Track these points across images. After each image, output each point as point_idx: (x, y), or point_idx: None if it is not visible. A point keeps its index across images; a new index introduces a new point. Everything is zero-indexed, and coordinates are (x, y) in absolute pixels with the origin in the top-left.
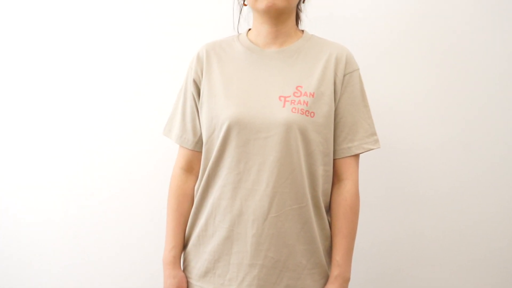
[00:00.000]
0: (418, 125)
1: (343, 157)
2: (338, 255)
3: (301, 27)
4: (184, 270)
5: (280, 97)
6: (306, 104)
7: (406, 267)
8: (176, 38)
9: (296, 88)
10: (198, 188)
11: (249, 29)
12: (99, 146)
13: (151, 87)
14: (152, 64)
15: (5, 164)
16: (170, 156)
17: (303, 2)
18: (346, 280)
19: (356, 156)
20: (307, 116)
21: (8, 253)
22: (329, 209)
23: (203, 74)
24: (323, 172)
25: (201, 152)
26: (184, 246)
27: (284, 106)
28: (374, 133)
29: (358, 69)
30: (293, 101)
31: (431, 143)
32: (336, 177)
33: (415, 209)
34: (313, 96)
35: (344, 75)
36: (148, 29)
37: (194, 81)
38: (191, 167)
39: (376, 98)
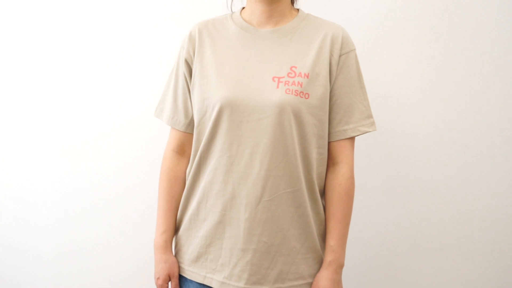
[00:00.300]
0: (416, 108)
1: (338, 140)
2: (332, 240)
3: (296, 5)
4: (176, 255)
5: (273, 78)
6: (301, 85)
7: (403, 254)
8: (166, 29)
9: (291, 68)
10: (189, 172)
11: (243, 8)
12: (93, 139)
13: (143, 79)
14: (141, 54)
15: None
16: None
17: None
18: (340, 266)
19: (352, 139)
20: (301, 97)
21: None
22: (323, 193)
23: (195, 53)
24: (317, 155)
25: (193, 134)
26: (176, 230)
27: (278, 87)
28: (370, 116)
29: (355, 49)
30: (287, 82)
31: (429, 127)
32: (330, 161)
33: (413, 195)
34: (307, 77)
35: (340, 56)
36: (132, 21)
37: (186, 61)
38: (182, 150)
39: (373, 79)
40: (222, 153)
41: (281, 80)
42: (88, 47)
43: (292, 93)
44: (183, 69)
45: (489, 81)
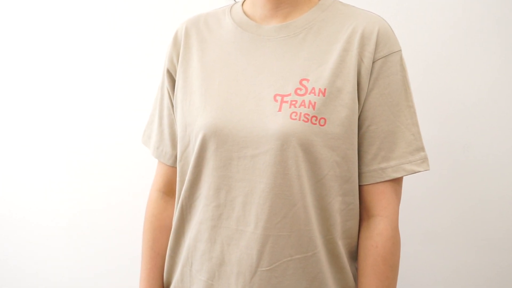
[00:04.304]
0: (492, 128)
1: (373, 183)
2: None
3: None
4: None
5: (276, 96)
6: (313, 107)
7: None
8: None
9: (300, 82)
10: (173, 222)
11: None
12: (104, 145)
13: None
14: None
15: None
16: None
17: None
18: None
19: (395, 181)
20: (314, 124)
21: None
22: (356, 255)
23: (179, 62)
24: (342, 205)
25: None
26: None
27: (280, 110)
28: (421, 148)
29: (399, 50)
30: (293, 102)
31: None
32: (365, 212)
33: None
34: (323, 94)
35: (375, 61)
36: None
37: (169, 72)
38: (171, 189)
39: (429, 94)
40: (207, 202)
41: (285, 99)
42: (94, 65)
43: (300, 118)
44: (166, 83)
45: None
